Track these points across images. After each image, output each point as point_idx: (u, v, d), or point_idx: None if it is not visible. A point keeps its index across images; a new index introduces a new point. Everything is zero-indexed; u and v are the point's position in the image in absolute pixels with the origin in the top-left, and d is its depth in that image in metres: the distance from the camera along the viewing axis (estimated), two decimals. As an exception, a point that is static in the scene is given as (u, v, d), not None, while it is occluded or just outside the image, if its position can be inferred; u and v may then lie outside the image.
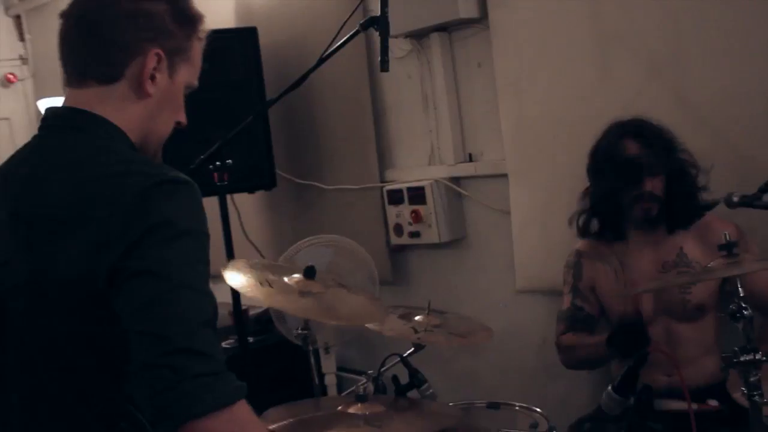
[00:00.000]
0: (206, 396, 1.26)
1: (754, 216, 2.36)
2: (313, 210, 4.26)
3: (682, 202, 2.50)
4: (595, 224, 2.71)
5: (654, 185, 2.51)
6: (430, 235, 3.67)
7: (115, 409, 1.42)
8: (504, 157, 3.41)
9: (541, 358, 3.45)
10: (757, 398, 1.70)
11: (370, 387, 2.44)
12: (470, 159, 3.63)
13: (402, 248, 3.93)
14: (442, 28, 3.55)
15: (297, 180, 4.28)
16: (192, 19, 1.60)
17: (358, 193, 3.99)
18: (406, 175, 3.83)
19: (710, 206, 2.37)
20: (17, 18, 6.52)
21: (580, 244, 2.77)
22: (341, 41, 2.65)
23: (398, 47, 3.77)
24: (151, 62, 1.51)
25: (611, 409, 1.86)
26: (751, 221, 2.54)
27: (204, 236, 1.40)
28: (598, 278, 2.69)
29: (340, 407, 2.32)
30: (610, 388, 1.88)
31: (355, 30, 2.62)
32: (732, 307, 1.74)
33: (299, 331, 2.81)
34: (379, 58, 2.61)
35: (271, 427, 2.25)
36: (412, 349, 2.87)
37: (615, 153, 2.57)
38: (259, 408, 2.58)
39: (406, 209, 3.72)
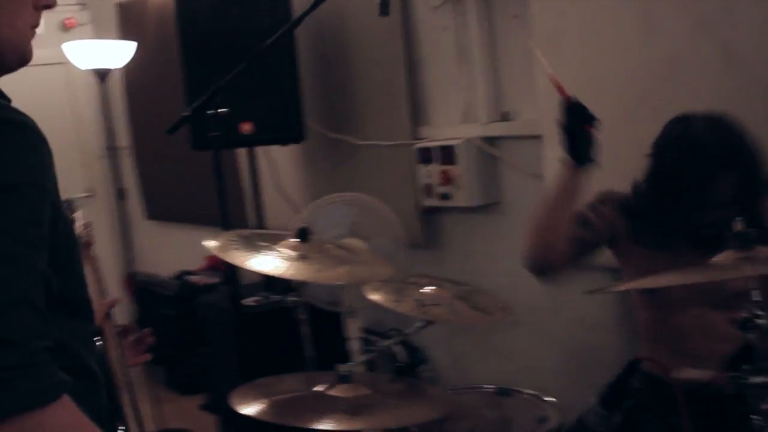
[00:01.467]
0: (3, 396, 0.97)
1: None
2: (346, 166, 3.97)
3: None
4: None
5: (725, 187, 2.03)
6: (460, 198, 3.34)
7: None
8: (539, 117, 3.05)
9: (576, 339, 3.13)
10: (769, 430, 1.35)
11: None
12: (505, 118, 3.28)
13: (435, 210, 3.61)
14: (480, -25, 3.19)
15: (329, 134, 3.99)
16: None
17: (389, 150, 3.68)
18: (439, 132, 3.50)
19: None
20: (78, -36, 6.35)
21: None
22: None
23: (434, -5, 3.43)
24: None
25: (595, 425, 1.53)
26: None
27: (34, 191, 1.10)
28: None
29: (321, 387, 2.06)
30: (596, 400, 1.55)
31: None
32: (744, 314, 1.38)
33: (290, 298, 2.51)
34: (379, 1, 2.28)
35: (242, 410, 2.00)
36: (420, 323, 2.59)
37: (683, 135, 2.09)
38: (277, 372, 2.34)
39: (436, 169, 3.40)
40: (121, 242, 4.34)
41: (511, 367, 3.39)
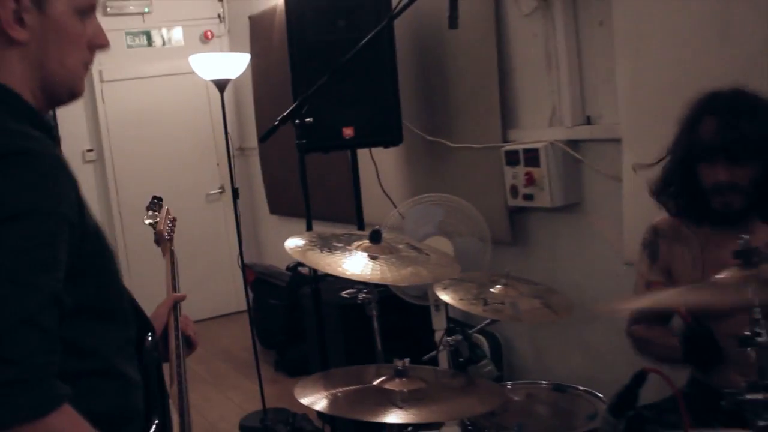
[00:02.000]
0: (3, 409, 1.00)
1: None
2: (442, 166, 3.94)
3: None
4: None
5: (736, 174, 1.94)
6: (543, 199, 3.25)
7: None
8: (619, 121, 2.93)
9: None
10: (767, 448, 1.23)
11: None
12: (589, 122, 3.17)
13: (522, 210, 3.53)
14: (566, -17, 3.09)
15: (428, 137, 3.96)
16: None
17: (481, 153, 3.62)
18: (527, 135, 3.41)
19: None
20: (217, -19, 6.56)
21: (658, 220, 2.26)
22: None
23: (525, 4, 3.35)
24: (7, 7, 1.19)
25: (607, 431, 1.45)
26: None
27: (49, 217, 1.11)
28: (675, 262, 2.16)
29: (380, 380, 2.05)
30: (606, 407, 1.46)
31: (423, -15, 2.27)
32: (746, 332, 1.27)
33: (363, 295, 2.50)
34: (448, 14, 2.23)
35: (305, 400, 2.01)
36: (488, 320, 2.54)
37: (692, 130, 2.04)
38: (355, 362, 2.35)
39: (521, 171, 3.32)
40: (236, 235, 4.45)
41: (589, 361, 3.29)
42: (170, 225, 2.16)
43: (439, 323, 3.44)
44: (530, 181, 3.26)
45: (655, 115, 2.76)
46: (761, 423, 1.23)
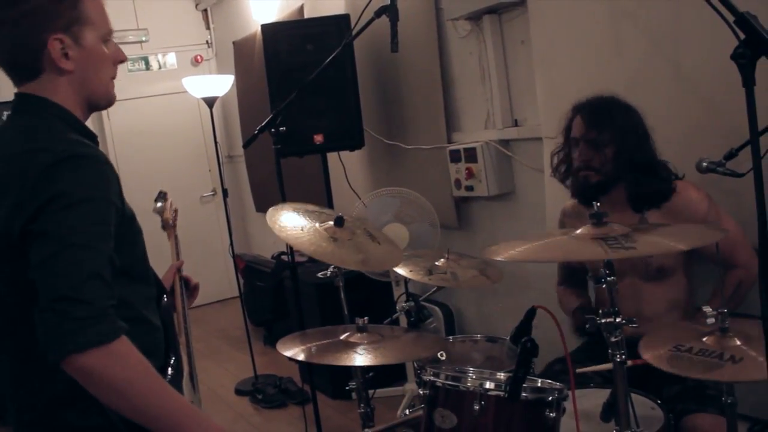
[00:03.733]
0: (80, 335, 1.24)
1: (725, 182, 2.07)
2: (398, 165, 4.17)
3: (638, 185, 2.19)
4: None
5: (590, 157, 2.22)
6: (481, 189, 3.49)
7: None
8: (540, 123, 3.18)
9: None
10: (618, 358, 1.48)
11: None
12: (516, 124, 3.41)
13: (465, 199, 3.77)
14: (493, 10, 3.32)
15: (385, 140, 4.19)
16: None
17: (429, 152, 3.85)
18: (467, 137, 3.65)
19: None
20: (204, 11, 6.72)
21: (566, 204, 2.52)
22: (362, 26, 2.52)
23: (461, 28, 3.58)
24: (56, 47, 1.41)
25: (511, 358, 1.68)
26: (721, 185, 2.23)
27: (102, 202, 1.34)
28: None
29: (345, 335, 2.27)
30: (508, 338, 1.70)
31: (370, 18, 2.49)
32: (601, 270, 1.51)
33: (332, 270, 2.72)
34: (391, 40, 2.45)
35: (286, 353, 2.23)
36: (434, 288, 2.77)
37: (568, 127, 2.32)
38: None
39: (463, 166, 3.56)
40: (227, 230, 4.64)
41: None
42: (174, 214, 2.36)
43: (398, 294, 3.67)
44: (470, 175, 3.50)
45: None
46: (613, 339, 1.47)
